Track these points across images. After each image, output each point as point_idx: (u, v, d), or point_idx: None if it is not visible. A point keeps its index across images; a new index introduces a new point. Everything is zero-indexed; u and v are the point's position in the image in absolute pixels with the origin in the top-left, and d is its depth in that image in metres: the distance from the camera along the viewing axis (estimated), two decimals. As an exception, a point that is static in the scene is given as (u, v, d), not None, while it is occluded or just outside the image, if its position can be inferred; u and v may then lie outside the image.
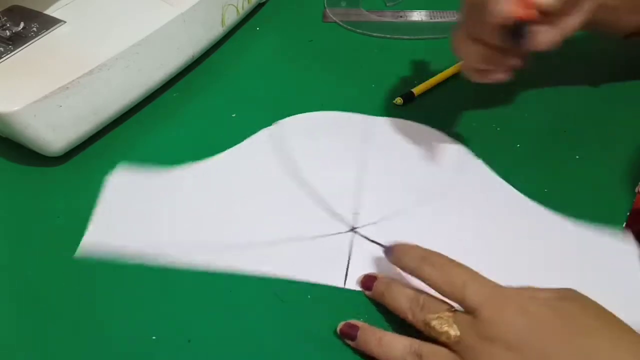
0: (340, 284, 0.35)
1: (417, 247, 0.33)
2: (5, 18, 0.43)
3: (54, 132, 0.41)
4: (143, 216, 0.39)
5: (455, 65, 0.49)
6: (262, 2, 0.57)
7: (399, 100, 0.47)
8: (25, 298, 0.36)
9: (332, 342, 0.33)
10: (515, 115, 0.46)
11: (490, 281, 0.29)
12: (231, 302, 0.35)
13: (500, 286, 0.29)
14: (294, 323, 0.34)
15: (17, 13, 0.44)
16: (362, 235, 0.38)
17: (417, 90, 0.47)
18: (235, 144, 0.44)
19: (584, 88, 0.47)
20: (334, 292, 0.35)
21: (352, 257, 0.37)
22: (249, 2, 0.54)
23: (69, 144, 0.42)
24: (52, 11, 0.45)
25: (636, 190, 0.39)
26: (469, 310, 0.28)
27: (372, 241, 0.37)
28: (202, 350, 0.33)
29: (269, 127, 0.45)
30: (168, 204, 0.40)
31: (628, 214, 0.38)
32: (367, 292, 0.34)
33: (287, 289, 0.35)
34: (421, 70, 0.50)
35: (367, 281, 0.34)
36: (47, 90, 0.39)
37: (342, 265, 0.36)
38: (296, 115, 0.46)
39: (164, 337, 0.33)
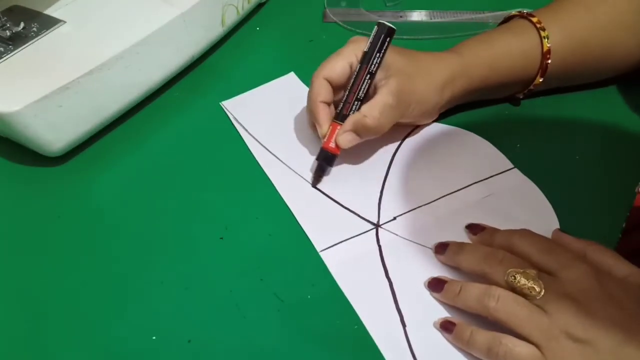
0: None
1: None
2: (5, 18, 0.43)
3: (54, 132, 0.41)
4: (275, 119, 0.46)
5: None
6: (262, 2, 0.57)
7: None
8: (24, 298, 0.36)
9: (332, 342, 0.33)
10: (514, 115, 0.46)
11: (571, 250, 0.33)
12: (231, 302, 0.35)
13: (580, 255, 0.33)
14: (294, 323, 0.34)
15: (17, 13, 0.44)
16: (390, 232, 0.38)
17: None
18: (236, 144, 0.44)
19: (583, 87, 0.47)
20: (334, 292, 0.35)
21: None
22: (249, 2, 0.54)
23: (69, 144, 0.42)
24: (52, 11, 0.45)
25: (636, 190, 0.39)
26: (552, 272, 0.31)
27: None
28: (202, 350, 0.33)
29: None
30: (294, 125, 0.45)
31: (627, 213, 0.38)
32: (439, 257, 0.36)
33: (286, 289, 0.35)
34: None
35: (439, 247, 0.36)
36: (47, 90, 0.39)
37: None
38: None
39: (164, 337, 0.33)
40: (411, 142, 0.44)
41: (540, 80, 0.43)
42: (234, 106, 0.47)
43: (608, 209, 0.38)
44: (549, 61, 0.42)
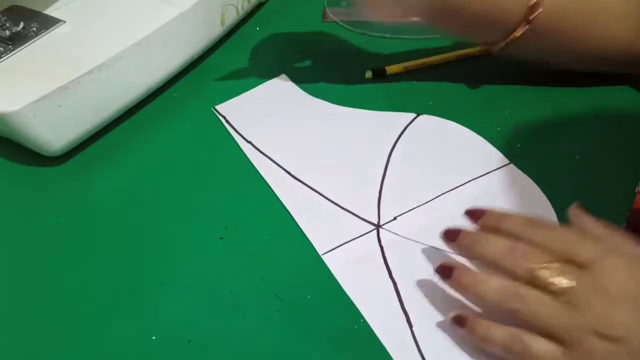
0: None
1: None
2: (5, 18, 0.43)
3: (54, 132, 0.41)
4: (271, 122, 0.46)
5: (445, 54, 0.50)
6: (262, 2, 0.57)
7: (369, 74, 0.49)
8: (24, 298, 0.36)
9: (332, 342, 0.33)
10: (514, 114, 0.46)
11: (599, 239, 0.30)
12: (231, 302, 0.35)
13: (609, 244, 0.30)
14: (294, 323, 0.34)
15: (17, 13, 0.44)
16: (391, 232, 0.38)
17: (390, 69, 0.49)
18: (236, 144, 0.44)
19: (584, 87, 0.47)
20: (334, 292, 0.35)
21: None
22: (248, 2, 0.54)
23: (68, 144, 0.42)
24: (52, 11, 0.45)
25: (636, 190, 0.39)
26: (580, 265, 0.28)
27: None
28: (202, 350, 0.33)
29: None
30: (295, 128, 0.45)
31: (628, 214, 0.38)
32: (450, 244, 0.33)
33: (286, 289, 0.35)
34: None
35: (452, 233, 0.33)
36: (47, 90, 0.39)
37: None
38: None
39: (164, 338, 0.33)
40: (406, 140, 0.44)
41: (521, 32, 0.40)
42: (226, 110, 0.47)
43: (608, 210, 0.38)
44: (537, 14, 0.39)
